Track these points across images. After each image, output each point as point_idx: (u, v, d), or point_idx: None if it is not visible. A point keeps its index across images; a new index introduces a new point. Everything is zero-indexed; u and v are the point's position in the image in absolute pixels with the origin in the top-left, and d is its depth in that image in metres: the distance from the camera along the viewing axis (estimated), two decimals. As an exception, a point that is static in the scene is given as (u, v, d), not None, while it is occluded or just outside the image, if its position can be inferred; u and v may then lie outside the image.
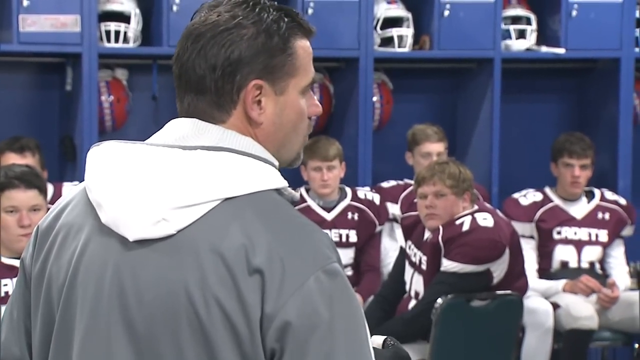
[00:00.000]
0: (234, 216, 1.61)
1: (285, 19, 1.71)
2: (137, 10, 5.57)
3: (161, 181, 1.62)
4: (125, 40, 5.53)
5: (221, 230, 1.61)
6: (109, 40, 5.49)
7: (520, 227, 5.32)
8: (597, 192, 5.64)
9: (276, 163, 1.71)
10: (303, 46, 1.73)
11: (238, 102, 1.68)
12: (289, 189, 1.70)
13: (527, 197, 5.58)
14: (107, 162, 1.67)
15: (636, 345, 5.43)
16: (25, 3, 5.29)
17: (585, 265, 5.52)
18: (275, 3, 1.74)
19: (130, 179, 1.64)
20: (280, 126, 1.70)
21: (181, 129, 1.69)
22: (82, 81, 5.44)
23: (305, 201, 5.43)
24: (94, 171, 1.68)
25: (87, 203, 1.69)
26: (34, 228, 1.84)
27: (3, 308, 1.86)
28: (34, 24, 5.33)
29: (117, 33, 5.48)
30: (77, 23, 5.39)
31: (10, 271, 3.54)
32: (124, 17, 5.55)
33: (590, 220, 5.55)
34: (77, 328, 1.67)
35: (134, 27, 5.55)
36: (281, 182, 1.67)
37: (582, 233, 5.54)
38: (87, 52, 5.40)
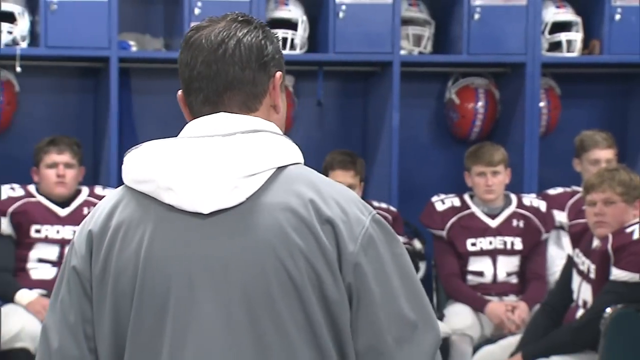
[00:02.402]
0: (291, 179, 1.84)
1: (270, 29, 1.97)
2: (305, 17, 5.64)
3: (225, 159, 1.80)
4: (292, 47, 5.60)
5: (285, 191, 1.82)
6: (276, 47, 5.56)
7: None
8: None
9: None
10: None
11: (268, 91, 1.91)
12: None
13: None
14: (165, 155, 1.83)
15: None
16: (197, 11, 5.42)
17: None
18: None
19: (196, 161, 1.81)
20: (283, 115, 1.95)
21: (210, 123, 1.87)
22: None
23: (469, 207, 5.40)
24: (152, 165, 1.83)
25: (140, 198, 1.85)
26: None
27: None
28: (205, 31, 5.45)
29: (285, 40, 5.56)
30: (246, 30, 5.48)
31: None
32: (291, 24, 5.62)
33: None
34: (164, 307, 1.81)
35: (300, 34, 5.62)
36: (302, 159, 1.91)
37: None
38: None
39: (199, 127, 1.88)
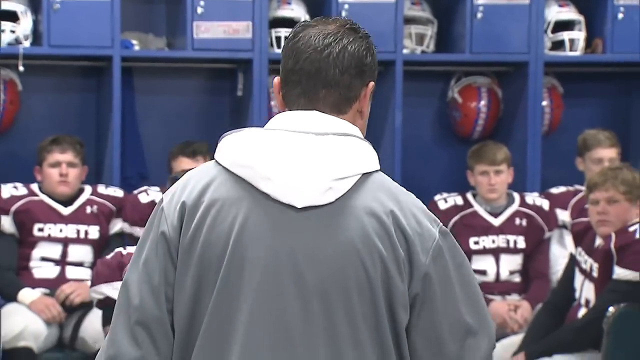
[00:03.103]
0: (375, 187, 1.99)
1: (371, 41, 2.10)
2: (307, 16, 5.64)
3: (322, 158, 1.95)
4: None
5: (371, 197, 1.97)
6: (278, 46, 5.57)
7: None
8: None
9: None
10: None
11: (359, 97, 2.06)
12: None
13: None
14: (265, 144, 1.97)
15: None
16: (199, 10, 5.42)
17: None
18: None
19: (296, 157, 1.95)
20: (366, 123, 2.10)
21: (305, 119, 2.01)
22: (253, 86, 5.54)
23: (472, 206, 5.40)
24: (252, 152, 1.97)
25: (235, 180, 1.98)
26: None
27: None
28: (208, 30, 5.45)
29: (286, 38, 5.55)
30: (249, 29, 5.49)
31: None
32: (294, 23, 5.61)
33: None
34: (247, 285, 1.95)
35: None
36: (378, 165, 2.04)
37: None
38: (257, 58, 5.50)
39: (293, 121, 2.01)
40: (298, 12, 5.65)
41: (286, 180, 1.95)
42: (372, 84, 2.08)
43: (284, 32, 5.56)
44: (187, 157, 5.19)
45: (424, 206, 2.04)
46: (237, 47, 5.49)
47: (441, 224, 2.03)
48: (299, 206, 1.95)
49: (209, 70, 5.85)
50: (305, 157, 1.95)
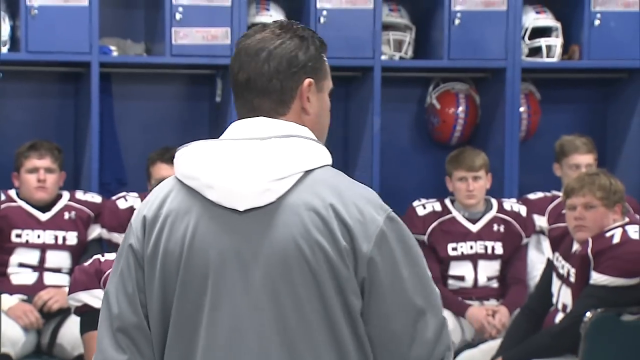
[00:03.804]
0: (316, 183, 2.09)
1: (315, 35, 2.19)
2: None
3: (259, 162, 2.07)
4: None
5: (311, 193, 2.08)
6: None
7: None
8: None
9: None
10: (325, 57, 2.21)
11: (296, 97, 2.14)
12: None
13: None
14: (209, 155, 2.10)
15: None
16: (178, 16, 5.42)
17: None
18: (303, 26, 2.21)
19: (235, 164, 2.07)
20: (320, 117, 2.18)
21: (251, 126, 2.13)
22: (231, 92, 5.52)
23: (450, 212, 5.41)
24: (197, 164, 2.11)
25: (187, 191, 2.12)
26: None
27: None
28: (186, 36, 5.45)
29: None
30: (228, 35, 5.49)
31: None
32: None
33: None
34: (202, 289, 2.09)
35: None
36: (330, 160, 2.15)
37: None
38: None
39: (239, 130, 2.14)
40: (276, 18, 5.64)
41: (227, 187, 2.07)
42: (307, 81, 2.15)
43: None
44: (166, 163, 5.18)
45: (373, 196, 2.13)
46: (215, 53, 5.48)
47: (390, 211, 2.12)
48: (241, 209, 2.08)
49: (188, 76, 5.84)
50: (243, 162, 2.07)
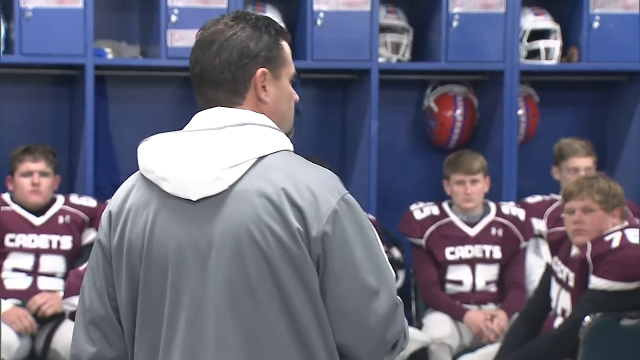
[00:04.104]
0: (269, 168, 2.12)
1: (272, 24, 2.21)
2: (282, 24, 5.61)
3: (210, 152, 2.10)
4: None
5: (263, 179, 2.11)
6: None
7: None
8: None
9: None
10: (286, 44, 2.23)
11: (250, 87, 2.17)
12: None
13: None
14: (163, 148, 2.14)
15: None
16: (173, 19, 5.39)
17: None
18: (262, 15, 2.24)
19: (187, 155, 2.11)
20: (279, 104, 2.20)
21: (208, 117, 2.16)
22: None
23: (448, 216, 5.38)
24: (153, 157, 2.16)
25: (148, 184, 2.17)
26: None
27: None
28: (182, 38, 5.42)
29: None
30: (223, 37, 5.46)
31: None
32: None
33: None
34: (163, 278, 2.14)
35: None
36: (291, 145, 2.18)
37: None
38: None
39: (197, 121, 2.18)
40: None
41: (179, 178, 2.12)
42: (260, 71, 2.17)
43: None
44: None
45: (327, 178, 2.15)
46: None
47: (346, 193, 2.14)
48: (195, 199, 2.12)
49: (183, 78, 5.81)
50: (195, 153, 2.11)
